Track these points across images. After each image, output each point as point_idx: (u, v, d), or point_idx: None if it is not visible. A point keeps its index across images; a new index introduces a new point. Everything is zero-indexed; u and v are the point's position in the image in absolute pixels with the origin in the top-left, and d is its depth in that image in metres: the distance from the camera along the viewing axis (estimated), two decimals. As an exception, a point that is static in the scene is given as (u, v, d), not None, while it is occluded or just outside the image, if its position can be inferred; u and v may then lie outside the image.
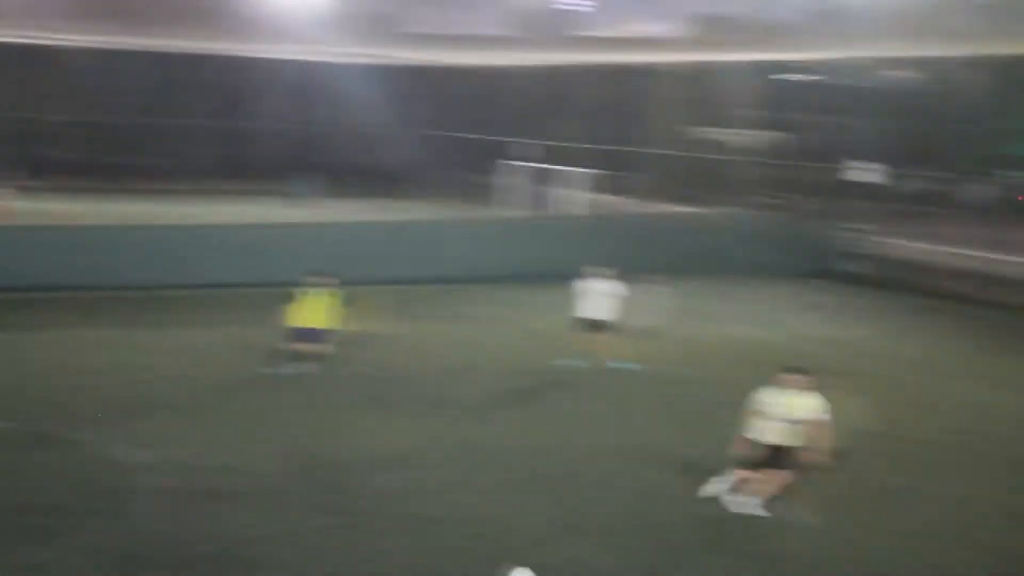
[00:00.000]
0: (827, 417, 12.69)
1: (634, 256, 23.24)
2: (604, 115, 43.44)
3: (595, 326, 19.44)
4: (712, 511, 12.99)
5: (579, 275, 19.77)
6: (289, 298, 18.46)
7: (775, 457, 12.82)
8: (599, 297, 19.42)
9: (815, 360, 16.10)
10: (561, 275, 21.04)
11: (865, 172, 35.58)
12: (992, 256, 29.26)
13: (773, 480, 12.89)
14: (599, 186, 39.41)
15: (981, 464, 15.43)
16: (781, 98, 38.81)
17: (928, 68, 35.17)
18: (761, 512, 12.86)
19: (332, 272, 18.50)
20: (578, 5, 45.00)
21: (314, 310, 18.34)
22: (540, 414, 16.96)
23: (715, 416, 14.45)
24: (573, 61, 44.03)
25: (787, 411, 12.74)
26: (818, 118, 37.41)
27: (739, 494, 13.03)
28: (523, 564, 11.17)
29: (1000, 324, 26.01)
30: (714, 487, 13.28)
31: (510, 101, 48.00)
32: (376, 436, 15.41)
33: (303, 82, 48.83)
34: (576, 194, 38.92)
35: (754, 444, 12.94)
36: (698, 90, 40.35)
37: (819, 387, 12.93)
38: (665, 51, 39.99)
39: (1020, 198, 28.70)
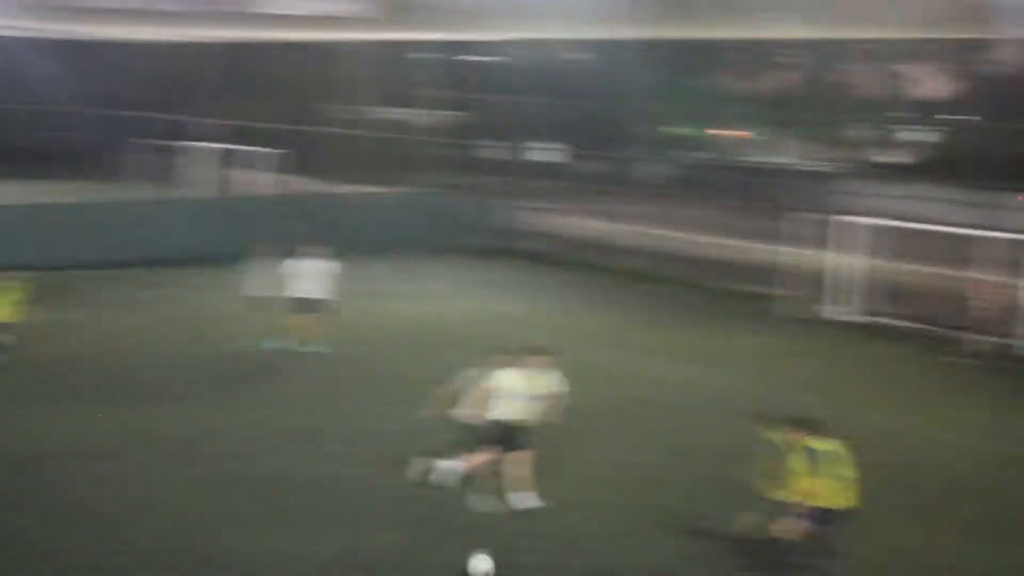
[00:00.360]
0: (563, 392, 13.03)
1: (313, 236, 22.60)
2: (289, 94, 42.87)
3: (300, 306, 19.13)
4: (425, 493, 12.99)
5: (286, 254, 19.31)
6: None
7: (497, 436, 12.80)
8: (307, 277, 19.09)
9: (488, 337, 16.36)
10: (242, 256, 20.50)
11: (544, 152, 36.59)
12: (662, 232, 30.57)
13: (487, 460, 12.95)
14: (282, 167, 38.73)
15: (646, 432, 16.00)
16: (463, 78, 39.29)
17: (606, 51, 36.42)
18: (467, 489, 12.93)
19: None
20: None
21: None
22: (224, 400, 16.63)
23: (417, 396, 14.38)
24: (256, 38, 43.12)
25: (520, 389, 12.77)
26: (500, 98, 38.09)
27: (453, 470, 13.10)
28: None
29: (670, 297, 26.93)
30: (427, 466, 13.25)
31: (192, 79, 46.46)
32: (53, 428, 14.81)
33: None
34: (258, 175, 38.07)
35: (470, 423, 12.94)
36: (382, 70, 40.34)
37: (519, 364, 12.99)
38: (350, 30, 39.75)
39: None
